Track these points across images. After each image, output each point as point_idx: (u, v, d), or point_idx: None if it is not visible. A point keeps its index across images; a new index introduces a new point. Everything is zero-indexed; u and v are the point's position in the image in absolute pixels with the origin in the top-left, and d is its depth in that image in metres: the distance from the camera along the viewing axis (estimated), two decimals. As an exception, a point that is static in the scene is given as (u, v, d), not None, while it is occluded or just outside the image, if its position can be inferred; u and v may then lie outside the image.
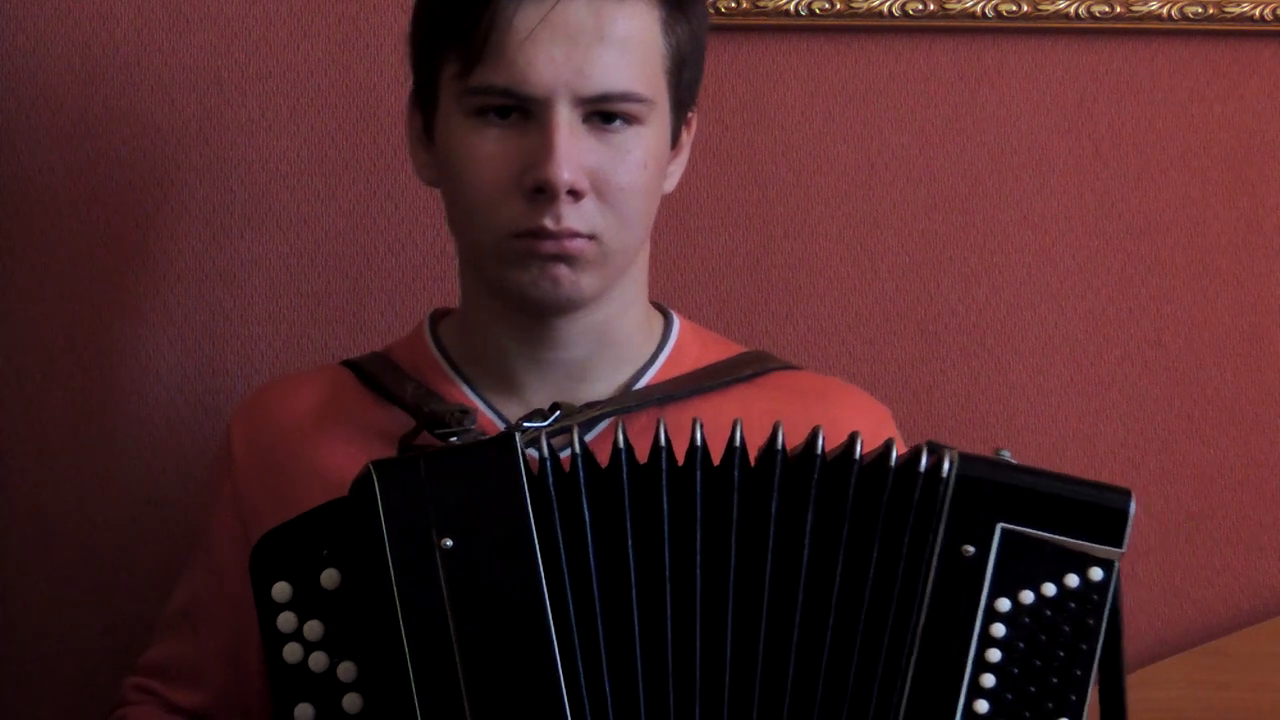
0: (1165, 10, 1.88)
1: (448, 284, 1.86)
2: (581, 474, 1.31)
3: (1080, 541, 1.30)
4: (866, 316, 1.91)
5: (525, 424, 1.39)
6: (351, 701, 1.29)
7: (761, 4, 1.84)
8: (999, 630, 1.30)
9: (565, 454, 1.33)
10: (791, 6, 1.85)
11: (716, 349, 1.57)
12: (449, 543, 1.27)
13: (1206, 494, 1.94)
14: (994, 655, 1.30)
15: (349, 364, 1.56)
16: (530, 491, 1.28)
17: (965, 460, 1.32)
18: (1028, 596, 1.30)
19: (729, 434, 1.33)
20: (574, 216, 1.41)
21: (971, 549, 1.30)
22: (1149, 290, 1.93)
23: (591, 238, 1.42)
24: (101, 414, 1.84)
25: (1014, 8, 1.87)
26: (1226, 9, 1.89)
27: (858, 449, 1.32)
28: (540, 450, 1.31)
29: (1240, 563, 1.95)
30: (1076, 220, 1.92)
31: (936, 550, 1.30)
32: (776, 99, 1.88)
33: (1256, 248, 1.94)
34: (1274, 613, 1.93)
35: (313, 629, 1.29)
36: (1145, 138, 1.92)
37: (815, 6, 1.86)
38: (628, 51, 1.42)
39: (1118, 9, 1.88)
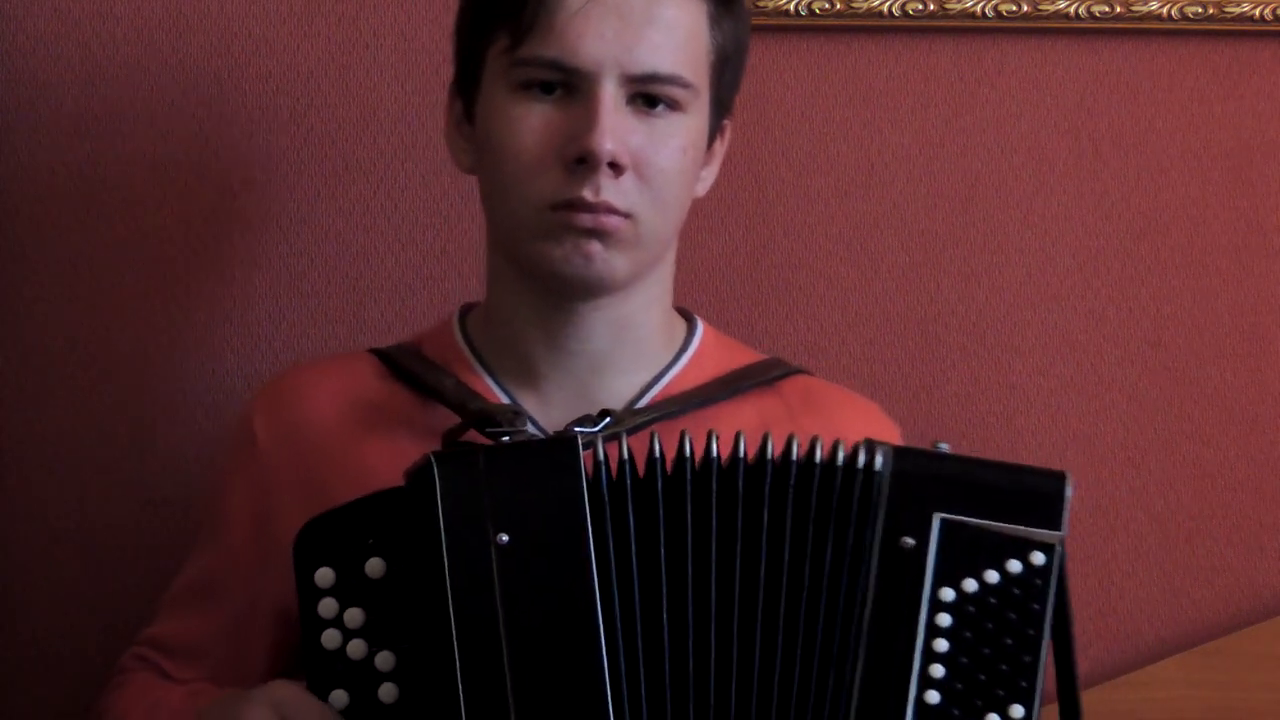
0: (1165, 10, 1.88)
1: (448, 284, 1.86)
2: (629, 481, 1.32)
3: (1019, 527, 1.30)
4: (866, 316, 1.91)
5: (576, 429, 1.39)
6: (387, 691, 1.29)
7: (761, 4, 1.84)
8: (945, 620, 1.30)
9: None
10: (791, 6, 1.85)
11: (738, 355, 1.59)
12: (504, 538, 1.28)
13: (1206, 494, 1.94)
14: (941, 645, 1.30)
15: (381, 355, 1.56)
16: (588, 494, 1.29)
17: (899, 454, 1.32)
18: (971, 585, 1.30)
19: (737, 442, 1.34)
20: (612, 191, 1.42)
21: (911, 541, 1.30)
22: (1149, 290, 1.93)
23: (627, 216, 1.43)
24: (101, 414, 1.84)
25: (1014, 8, 1.87)
26: (1226, 9, 1.89)
27: (794, 451, 1.33)
28: (596, 455, 1.32)
29: (1240, 563, 1.95)
30: (1076, 220, 1.92)
31: (876, 544, 1.31)
32: (776, 99, 1.88)
33: (1256, 248, 1.94)
34: (1274, 613, 1.94)
35: (353, 616, 1.30)
36: (1145, 138, 1.92)
37: (815, 6, 1.86)
38: (675, 36, 1.44)
39: (1118, 9, 1.88)
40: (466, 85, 1.51)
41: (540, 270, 1.46)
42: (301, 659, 1.32)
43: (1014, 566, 1.30)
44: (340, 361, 1.60)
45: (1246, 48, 1.92)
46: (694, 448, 1.33)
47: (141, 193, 1.84)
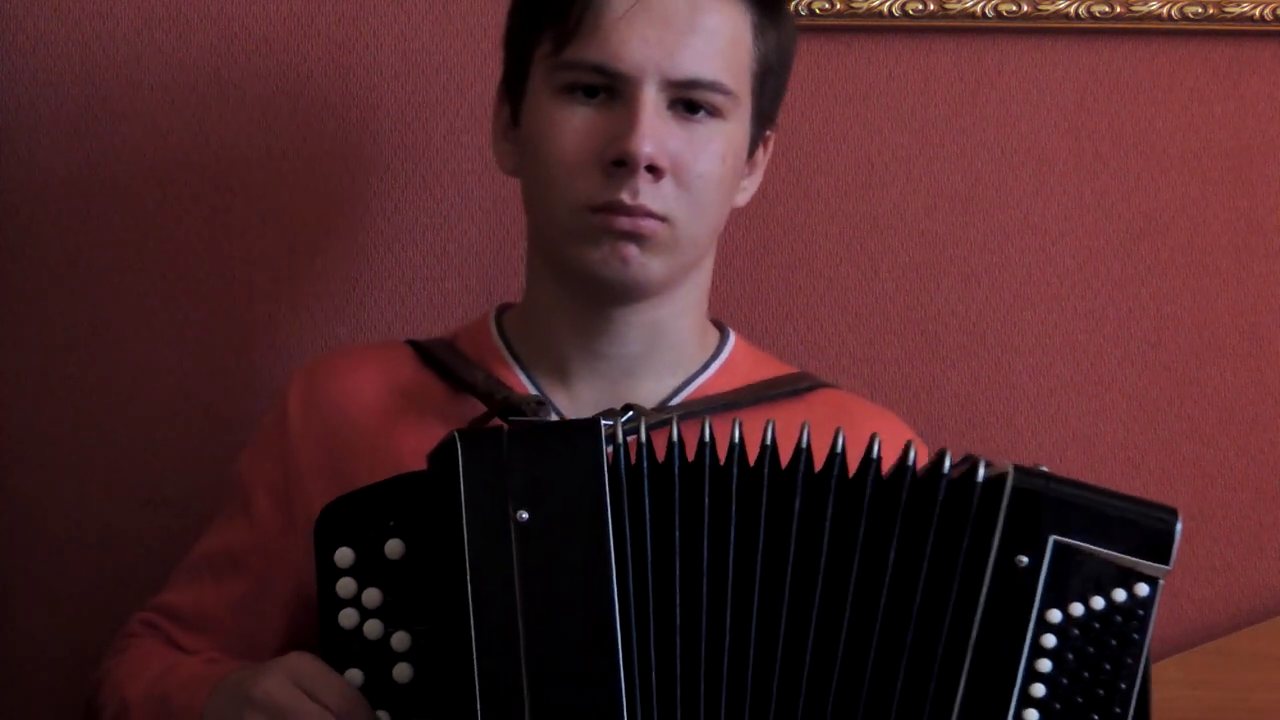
0: (1165, 10, 1.88)
1: (448, 284, 1.86)
2: (645, 465, 1.32)
3: (1129, 557, 1.32)
4: (866, 316, 1.91)
5: (600, 420, 1.39)
6: (402, 671, 1.31)
7: (761, 4, 1.84)
8: (1049, 641, 1.31)
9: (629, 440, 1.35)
10: (792, 6, 1.84)
11: (768, 366, 1.60)
12: (524, 515, 1.28)
13: (1206, 494, 1.94)
14: (1044, 665, 1.31)
15: (417, 348, 1.58)
16: (608, 476, 1.30)
17: (1020, 472, 1.33)
18: (1077, 609, 1.31)
19: (796, 439, 1.34)
20: (650, 194, 1.43)
21: (1025, 560, 1.31)
22: (1149, 290, 1.93)
23: (664, 220, 1.45)
24: (101, 414, 1.84)
25: (1014, 8, 1.87)
26: (1226, 9, 1.89)
27: (912, 456, 1.34)
28: (615, 440, 1.33)
29: (1240, 562, 1.95)
30: (1076, 220, 1.92)
31: (991, 560, 1.31)
32: (776, 99, 1.88)
33: (1256, 248, 1.94)
34: (1274, 613, 1.93)
35: (371, 597, 1.31)
36: (1145, 138, 1.92)
37: (815, 6, 1.86)
38: (718, 43, 1.46)
39: (1118, 9, 1.88)
40: (513, 89, 1.52)
41: (577, 272, 1.47)
42: (318, 637, 1.33)
43: (1119, 595, 1.31)
44: (378, 349, 1.62)
45: (1246, 48, 1.92)
46: (716, 436, 1.33)
47: (141, 193, 1.84)
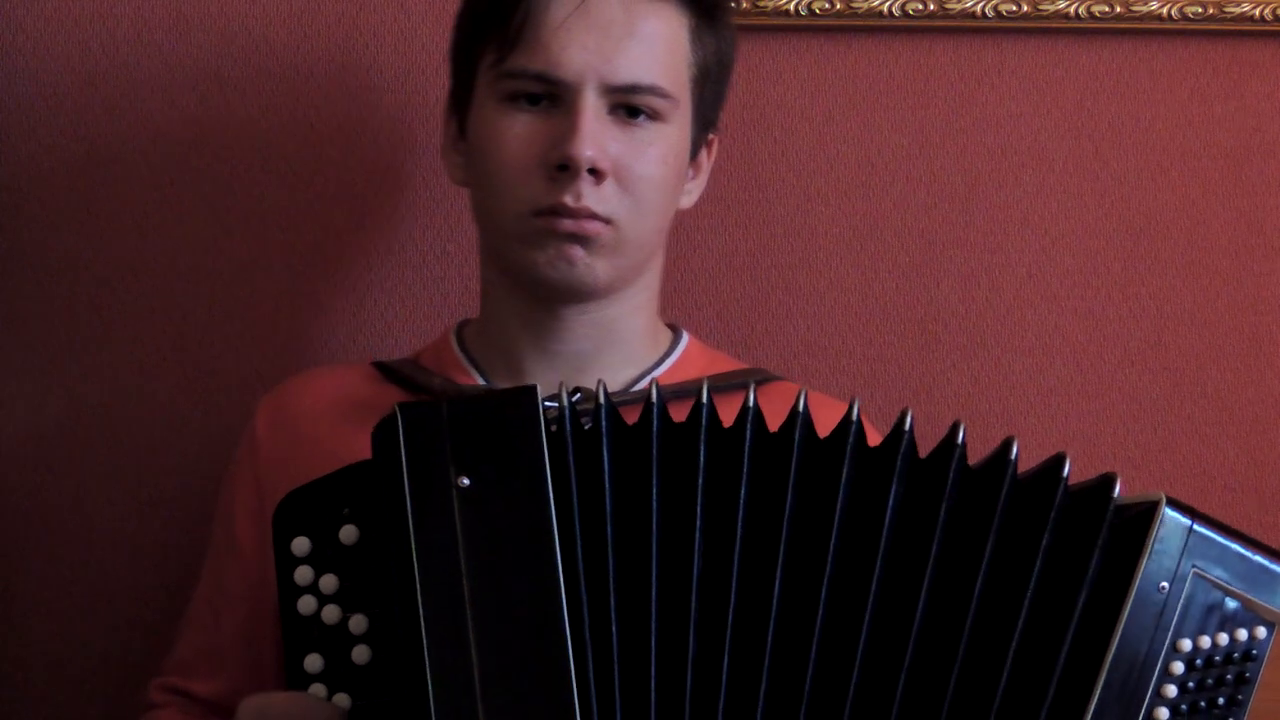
0: (1165, 10, 1.88)
1: (447, 284, 1.86)
2: (604, 425, 1.31)
3: (1258, 600, 1.35)
4: (866, 316, 1.91)
5: (546, 403, 1.39)
6: (360, 653, 1.32)
7: (761, 4, 1.84)
8: (1178, 668, 1.33)
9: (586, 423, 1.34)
10: (791, 6, 1.85)
11: (722, 363, 1.62)
12: (465, 481, 1.29)
13: (1206, 494, 1.94)
14: (1170, 690, 1.33)
15: (380, 367, 1.61)
16: (548, 440, 1.29)
17: (1171, 501, 1.35)
18: (1205, 642, 1.34)
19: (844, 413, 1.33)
20: (593, 197, 1.46)
21: (1166, 586, 1.33)
22: (1149, 290, 1.93)
23: (608, 221, 1.48)
24: (101, 414, 1.84)
25: (1014, 8, 1.87)
26: (1226, 9, 1.89)
27: (1013, 453, 1.35)
28: (561, 402, 1.31)
29: (1240, 563, 1.95)
30: (1076, 220, 1.92)
31: (1135, 582, 1.33)
32: (776, 99, 1.88)
33: (1256, 248, 1.94)
34: (1274, 613, 1.94)
35: (328, 582, 1.33)
36: (1145, 138, 1.92)
37: (815, 6, 1.86)
38: (656, 49, 1.49)
39: (1118, 9, 1.88)
40: (460, 102, 1.56)
41: (526, 275, 1.51)
42: (280, 626, 1.34)
43: (1242, 635, 1.35)
44: (341, 370, 1.66)
45: (1246, 48, 1.92)
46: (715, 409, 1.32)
47: (141, 193, 1.84)
